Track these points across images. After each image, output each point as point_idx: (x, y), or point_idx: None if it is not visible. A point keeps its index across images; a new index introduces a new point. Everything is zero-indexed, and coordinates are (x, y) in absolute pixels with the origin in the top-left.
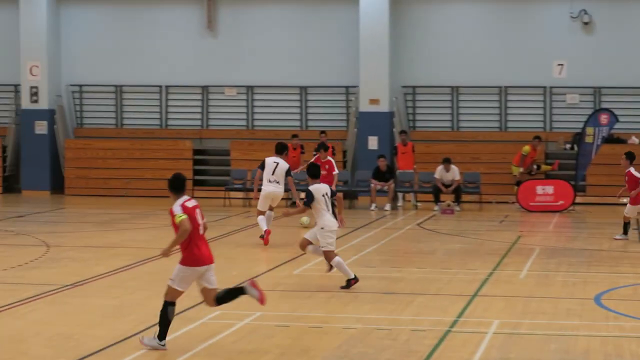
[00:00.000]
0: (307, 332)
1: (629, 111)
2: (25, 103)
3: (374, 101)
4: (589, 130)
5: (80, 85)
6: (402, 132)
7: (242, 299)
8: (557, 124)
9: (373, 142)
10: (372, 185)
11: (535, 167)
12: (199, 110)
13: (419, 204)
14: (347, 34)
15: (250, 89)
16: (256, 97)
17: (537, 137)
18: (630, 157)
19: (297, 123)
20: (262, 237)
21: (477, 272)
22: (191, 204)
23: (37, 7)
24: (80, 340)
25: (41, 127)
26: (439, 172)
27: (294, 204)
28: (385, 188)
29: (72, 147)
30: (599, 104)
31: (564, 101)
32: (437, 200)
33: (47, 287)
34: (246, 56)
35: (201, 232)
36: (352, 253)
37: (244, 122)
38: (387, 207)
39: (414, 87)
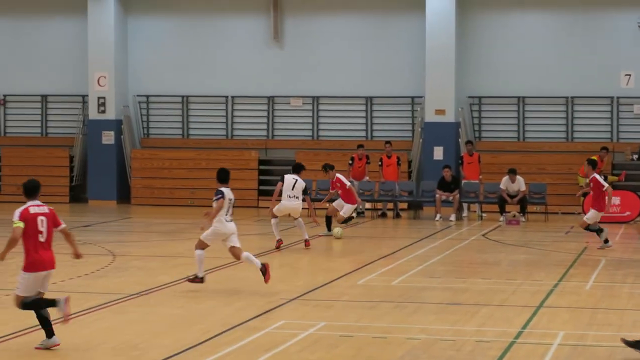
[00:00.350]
0: (370, 343)
1: None
2: (93, 113)
3: (439, 111)
4: None
5: (147, 96)
6: (468, 142)
7: (309, 309)
8: (624, 135)
9: (438, 153)
10: (437, 195)
11: (602, 177)
12: (264, 120)
13: (484, 214)
14: (413, 44)
15: (315, 99)
16: (321, 107)
17: (604, 148)
18: (592, 163)
19: (363, 133)
20: (279, 241)
21: (542, 283)
22: (36, 210)
23: (105, 18)
24: (145, 349)
25: (108, 137)
26: (505, 182)
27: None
28: (451, 198)
29: (139, 157)
30: None
31: (632, 111)
32: (502, 210)
33: (113, 296)
34: (312, 66)
35: (42, 239)
36: (417, 263)
37: (309, 133)
38: (452, 217)
39: (479, 98)
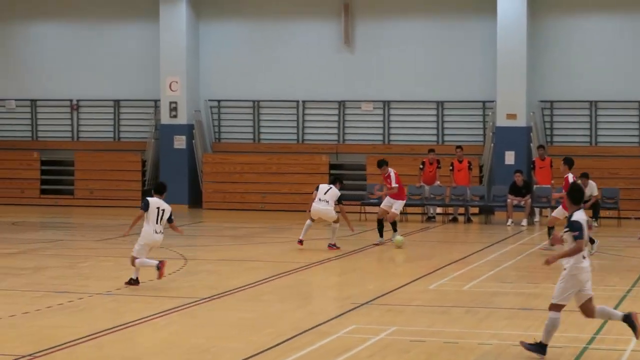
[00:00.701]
0: (442, 348)
1: None
2: (165, 118)
3: (511, 116)
4: None
5: (218, 100)
6: (540, 146)
7: (380, 314)
8: None
9: (510, 157)
10: (509, 200)
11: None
12: (335, 125)
13: None
14: (484, 48)
15: (386, 103)
16: (392, 111)
17: None
18: (568, 162)
19: (434, 138)
20: (300, 242)
21: (615, 289)
22: None
23: (177, 23)
24: (217, 353)
25: (180, 142)
26: None
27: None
28: (522, 203)
29: (210, 161)
30: None
31: None
32: None
33: (185, 300)
34: (382, 71)
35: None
36: (489, 268)
37: (380, 137)
38: (524, 222)
39: (551, 102)
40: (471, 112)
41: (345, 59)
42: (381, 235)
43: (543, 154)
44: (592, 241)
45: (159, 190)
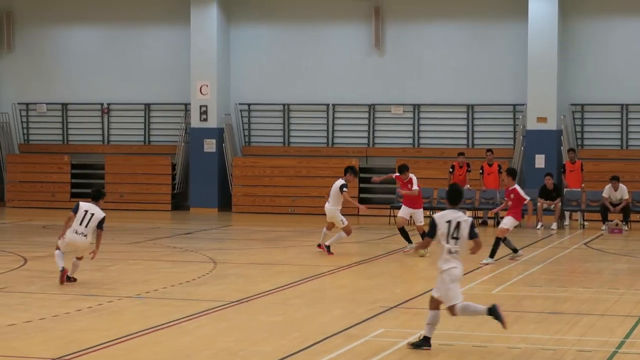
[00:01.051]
0: (471, 352)
1: None
2: (195, 122)
3: (541, 119)
4: None
5: (249, 104)
6: (571, 150)
7: (408, 317)
8: None
9: (540, 161)
10: (539, 203)
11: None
12: (365, 128)
13: (586, 223)
14: (515, 51)
15: (416, 107)
16: (422, 115)
17: None
18: (512, 173)
19: (464, 141)
20: (319, 246)
21: None
22: None
23: (208, 27)
24: (246, 356)
25: (210, 145)
26: (607, 190)
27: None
28: (552, 207)
29: (240, 165)
30: None
31: None
32: (604, 219)
33: (214, 303)
34: (413, 74)
35: None
36: (518, 272)
37: (409, 140)
38: (554, 226)
39: (582, 105)
40: (501, 115)
41: (375, 63)
42: (409, 242)
43: (573, 158)
44: (515, 250)
45: (93, 195)
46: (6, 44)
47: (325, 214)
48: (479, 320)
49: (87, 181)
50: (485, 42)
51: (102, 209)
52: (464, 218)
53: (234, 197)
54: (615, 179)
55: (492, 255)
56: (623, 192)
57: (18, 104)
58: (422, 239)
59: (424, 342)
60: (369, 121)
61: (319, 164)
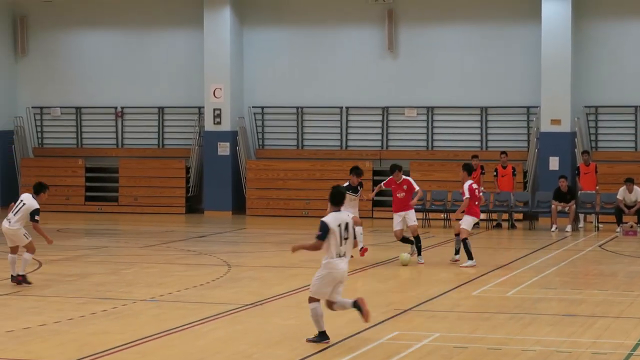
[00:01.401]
0: (485, 354)
1: None
2: (209, 125)
3: (555, 121)
4: None
5: (262, 107)
6: (585, 152)
7: (423, 320)
8: None
9: (554, 163)
10: (553, 206)
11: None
12: (378, 131)
13: (600, 225)
14: (528, 53)
15: (430, 109)
16: (436, 117)
17: None
18: (467, 168)
19: (477, 144)
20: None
21: None
22: None
23: (221, 30)
24: (260, 359)
25: (224, 149)
26: (622, 192)
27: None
28: (567, 209)
29: (254, 168)
30: None
31: None
32: (619, 221)
33: (228, 307)
34: (426, 77)
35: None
36: (532, 274)
37: (423, 143)
38: (568, 228)
39: (596, 107)
40: (515, 118)
41: (388, 65)
42: (419, 253)
43: (587, 160)
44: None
45: (34, 188)
46: (20, 48)
47: None
48: (494, 322)
49: (101, 184)
50: (499, 44)
51: (40, 203)
52: (349, 219)
53: (247, 200)
54: (629, 181)
55: (470, 257)
56: (638, 194)
57: (32, 107)
58: (417, 243)
59: (320, 337)
60: (383, 124)
61: (332, 167)
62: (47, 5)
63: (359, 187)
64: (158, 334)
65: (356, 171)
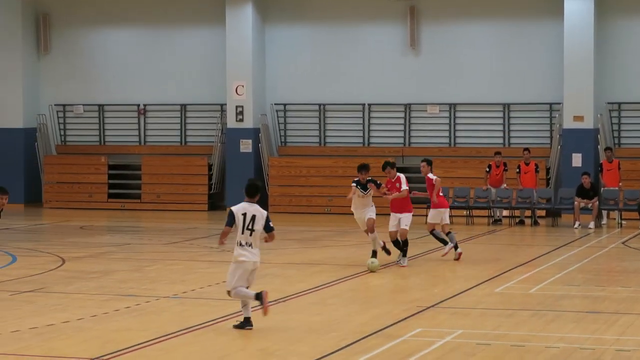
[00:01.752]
0: (508, 351)
1: None
2: (231, 122)
3: (578, 118)
4: None
5: (284, 104)
6: (608, 149)
7: (445, 317)
8: None
9: (577, 160)
10: (576, 203)
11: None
12: (401, 128)
13: (623, 222)
14: (551, 50)
15: (452, 106)
16: (458, 114)
17: None
18: (429, 162)
19: (500, 140)
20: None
21: None
22: None
23: (243, 27)
24: (283, 356)
25: (246, 146)
26: None
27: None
28: (590, 206)
29: (276, 165)
30: None
31: None
32: None
33: (251, 303)
34: (448, 73)
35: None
36: (555, 271)
37: (446, 140)
38: (591, 225)
39: (619, 104)
40: (538, 114)
41: (410, 62)
42: (404, 255)
43: (610, 156)
44: (445, 242)
45: None
46: (43, 46)
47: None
48: (517, 319)
49: (124, 182)
50: (521, 40)
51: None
52: (260, 212)
53: (270, 197)
54: None
55: (444, 243)
56: None
57: (55, 105)
58: (403, 247)
59: (245, 323)
60: (405, 121)
61: (355, 164)
62: (69, 3)
63: (368, 185)
64: (181, 331)
65: (362, 168)
